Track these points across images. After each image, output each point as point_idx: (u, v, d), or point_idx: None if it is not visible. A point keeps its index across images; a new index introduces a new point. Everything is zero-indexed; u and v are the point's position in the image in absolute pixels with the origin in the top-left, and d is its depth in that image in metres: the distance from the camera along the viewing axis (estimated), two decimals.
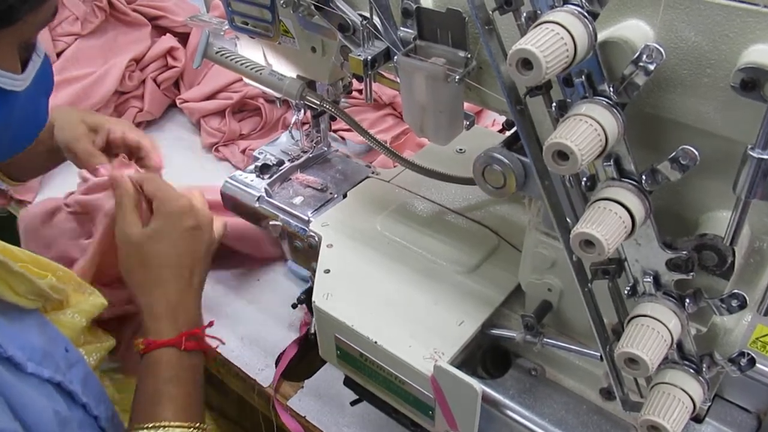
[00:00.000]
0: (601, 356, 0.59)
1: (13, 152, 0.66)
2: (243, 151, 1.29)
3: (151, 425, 0.67)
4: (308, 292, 0.85)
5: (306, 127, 0.93)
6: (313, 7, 0.66)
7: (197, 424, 0.69)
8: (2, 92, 0.59)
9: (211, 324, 0.77)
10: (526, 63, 0.42)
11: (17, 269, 0.60)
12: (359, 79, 0.66)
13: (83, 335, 0.72)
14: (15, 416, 0.55)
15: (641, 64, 0.44)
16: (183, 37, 1.42)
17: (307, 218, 0.84)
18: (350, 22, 0.64)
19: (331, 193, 0.88)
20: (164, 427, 0.67)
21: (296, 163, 0.92)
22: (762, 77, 0.41)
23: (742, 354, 0.52)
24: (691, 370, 0.53)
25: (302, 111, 0.90)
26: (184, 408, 0.70)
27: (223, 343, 0.83)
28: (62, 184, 1.21)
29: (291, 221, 0.85)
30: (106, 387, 0.73)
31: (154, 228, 0.76)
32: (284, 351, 0.93)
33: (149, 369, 0.71)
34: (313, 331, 0.77)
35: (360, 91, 1.18)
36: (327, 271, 0.76)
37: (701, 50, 0.45)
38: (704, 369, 0.53)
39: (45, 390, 0.60)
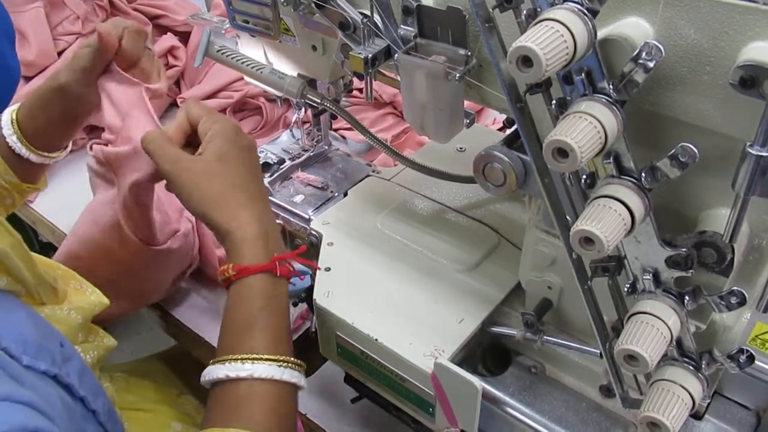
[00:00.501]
0: (600, 353, 0.59)
1: None
2: None
3: (244, 356, 0.61)
4: (309, 290, 0.85)
5: (307, 125, 0.93)
6: (313, 5, 0.66)
7: (289, 359, 0.63)
8: None
9: (302, 249, 0.70)
10: (526, 60, 0.42)
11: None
12: (360, 77, 0.66)
13: (80, 333, 0.72)
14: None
15: (641, 61, 0.45)
16: (184, 36, 1.42)
17: (307, 217, 0.84)
18: (351, 20, 0.64)
19: (331, 192, 0.88)
20: (257, 359, 0.61)
21: (297, 161, 0.92)
22: (761, 75, 0.41)
23: (741, 351, 0.52)
24: (691, 367, 0.53)
25: (303, 110, 0.90)
26: (275, 340, 0.64)
27: (318, 268, 0.75)
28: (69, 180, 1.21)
29: (292, 220, 0.85)
30: (106, 387, 0.73)
31: (216, 150, 0.68)
32: None
33: (241, 296, 0.64)
34: (313, 329, 0.78)
35: (361, 90, 1.18)
36: (328, 270, 0.76)
37: (701, 48, 0.45)
38: (703, 366, 0.53)
39: (43, 382, 0.59)
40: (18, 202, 0.89)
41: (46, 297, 0.68)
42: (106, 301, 0.74)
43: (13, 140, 0.83)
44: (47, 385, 0.59)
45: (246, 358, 0.61)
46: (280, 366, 0.61)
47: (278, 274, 0.65)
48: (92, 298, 0.74)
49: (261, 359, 0.61)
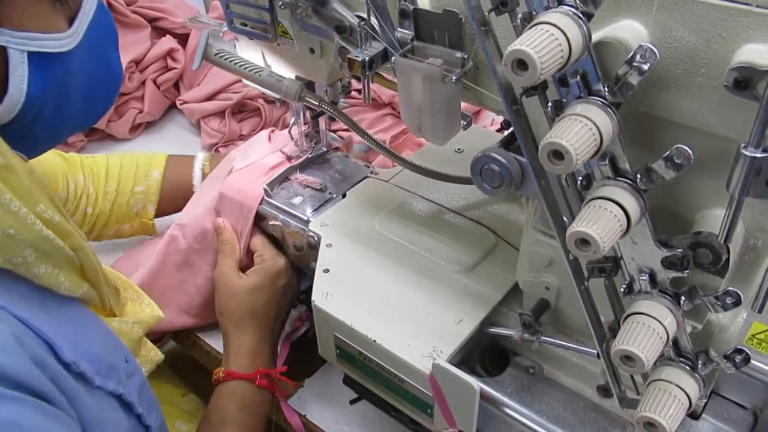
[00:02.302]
0: (598, 354, 0.59)
1: (92, 117, 0.66)
2: None
3: None
4: (307, 292, 0.85)
5: (305, 127, 0.93)
6: (310, 9, 0.66)
7: None
8: (48, 57, 0.55)
9: (284, 369, 0.85)
10: (522, 64, 0.43)
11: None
12: (358, 78, 0.66)
13: (138, 346, 0.73)
14: None
15: (635, 64, 0.45)
16: (183, 39, 1.43)
17: (306, 218, 0.84)
18: (347, 24, 0.65)
19: (330, 193, 0.89)
20: None
21: (295, 163, 0.93)
22: (755, 76, 0.41)
23: (737, 351, 0.52)
24: (687, 367, 0.53)
25: (301, 111, 0.90)
26: None
27: (291, 386, 0.88)
28: None
29: (290, 221, 0.85)
30: None
31: (255, 283, 0.84)
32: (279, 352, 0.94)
33: (224, 395, 0.78)
34: (312, 330, 0.78)
35: (359, 91, 1.18)
36: (326, 271, 0.76)
37: (695, 50, 0.45)
38: (700, 366, 0.54)
39: (111, 403, 0.60)
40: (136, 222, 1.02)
41: (114, 304, 0.68)
42: (161, 314, 0.76)
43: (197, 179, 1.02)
44: (112, 407, 0.60)
45: None
46: None
47: (257, 385, 0.79)
48: (148, 310, 0.75)
49: None
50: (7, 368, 0.48)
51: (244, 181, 0.90)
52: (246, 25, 0.77)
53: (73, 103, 0.61)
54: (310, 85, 0.84)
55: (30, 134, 0.58)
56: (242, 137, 1.33)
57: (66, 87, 0.59)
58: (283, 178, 0.91)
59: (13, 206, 0.51)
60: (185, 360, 1.13)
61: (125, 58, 1.33)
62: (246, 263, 0.88)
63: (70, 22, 0.57)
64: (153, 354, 0.76)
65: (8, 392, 0.47)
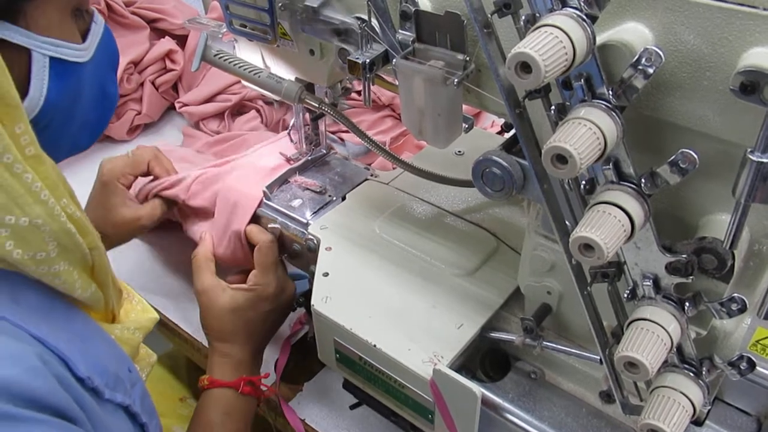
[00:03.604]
0: (600, 359, 0.59)
1: (89, 138, 0.66)
2: None
3: None
4: (307, 295, 0.85)
5: (305, 129, 0.93)
6: (308, 13, 0.66)
7: None
8: (66, 65, 0.57)
9: (266, 376, 0.85)
10: (525, 66, 0.42)
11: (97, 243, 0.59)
12: (359, 80, 0.66)
13: (137, 351, 0.72)
14: None
15: (640, 67, 0.44)
16: (181, 40, 1.42)
17: (305, 221, 0.84)
18: (344, 28, 0.64)
19: (329, 196, 0.88)
20: None
21: (295, 165, 0.92)
22: (761, 80, 0.41)
23: (741, 357, 0.52)
24: (691, 374, 0.53)
25: (301, 113, 0.90)
26: None
27: (275, 393, 0.88)
28: None
29: (290, 224, 0.85)
30: None
31: (238, 304, 0.83)
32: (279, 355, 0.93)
33: (209, 402, 0.80)
34: (311, 333, 0.77)
35: (359, 92, 1.18)
36: (326, 275, 0.76)
37: (700, 53, 0.45)
38: (704, 372, 0.53)
39: (119, 415, 0.60)
40: None
41: (117, 306, 0.67)
42: (155, 315, 0.74)
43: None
44: (121, 419, 0.60)
45: None
46: None
47: (240, 391, 0.80)
48: (138, 308, 0.74)
49: None
50: (35, 390, 0.48)
51: (243, 183, 0.89)
52: (245, 27, 0.76)
53: (78, 119, 0.62)
54: (309, 87, 0.84)
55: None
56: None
57: (77, 98, 0.61)
58: (283, 180, 0.90)
59: (43, 195, 0.51)
60: (180, 360, 1.13)
61: (124, 60, 1.33)
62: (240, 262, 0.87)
63: (83, 36, 0.60)
64: (148, 356, 0.75)
65: (38, 415, 0.47)
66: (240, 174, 0.91)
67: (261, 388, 0.84)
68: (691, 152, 0.44)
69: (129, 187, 0.93)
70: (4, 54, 0.47)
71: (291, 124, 0.92)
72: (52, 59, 0.56)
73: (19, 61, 0.55)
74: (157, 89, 1.38)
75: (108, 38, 0.64)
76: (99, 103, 0.66)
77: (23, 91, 0.55)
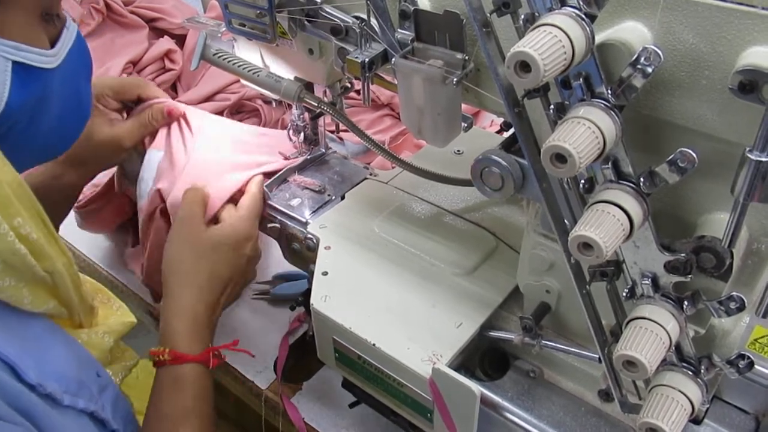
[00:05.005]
0: (599, 358, 0.59)
1: (59, 146, 0.64)
2: None
3: None
4: (306, 294, 0.85)
5: (304, 128, 0.93)
6: (306, 12, 0.66)
7: None
8: (31, 70, 0.55)
9: (235, 343, 0.77)
10: (524, 66, 0.42)
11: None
12: (358, 79, 0.66)
13: (110, 354, 0.69)
14: None
15: (639, 66, 0.44)
16: (180, 39, 1.42)
17: (305, 220, 0.84)
18: (343, 27, 0.64)
19: (329, 195, 0.88)
20: None
21: (294, 164, 0.92)
22: (760, 79, 0.41)
23: (740, 356, 0.52)
24: (690, 372, 0.53)
25: (300, 112, 0.90)
26: (209, 427, 0.70)
27: (253, 356, 0.83)
28: None
29: (289, 223, 0.85)
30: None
31: (223, 237, 0.77)
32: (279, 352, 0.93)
33: (177, 384, 0.70)
34: (311, 332, 0.77)
35: (358, 92, 1.18)
36: (325, 274, 0.76)
37: (699, 52, 0.45)
38: (703, 371, 0.53)
39: (82, 421, 0.58)
40: None
41: (85, 319, 0.66)
42: (133, 319, 0.72)
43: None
44: (84, 426, 0.58)
45: None
46: None
47: (210, 367, 0.71)
48: (119, 313, 0.72)
49: None
50: None
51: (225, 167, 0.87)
52: (245, 26, 0.76)
53: (44, 126, 0.60)
54: (309, 86, 0.84)
55: None
56: None
57: (41, 106, 0.59)
58: (282, 179, 0.91)
59: None
60: None
61: (122, 59, 1.33)
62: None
63: (53, 43, 0.58)
64: (128, 357, 0.73)
65: None
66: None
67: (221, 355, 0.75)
68: (689, 151, 0.44)
69: (114, 110, 0.89)
70: None
71: (290, 123, 0.92)
72: (14, 63, 0.54)
73: None
74: None
75: (80, 44, 0.62)
76: (71, 111, 0.64)
77: None
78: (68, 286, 0.59)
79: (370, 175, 0.92)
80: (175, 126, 0.91)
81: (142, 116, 0.89)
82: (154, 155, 0.89)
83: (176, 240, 0.77)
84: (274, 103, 1.29)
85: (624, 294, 0.55)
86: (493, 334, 0.70)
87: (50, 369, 0.56)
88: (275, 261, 1.07)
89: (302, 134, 0.92)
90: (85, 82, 0.66)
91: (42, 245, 0.55)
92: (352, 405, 0.84)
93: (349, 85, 0.85)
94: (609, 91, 0.46)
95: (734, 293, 0.49)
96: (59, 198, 0.90)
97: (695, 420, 0.64)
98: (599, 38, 0.47)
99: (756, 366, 0.52)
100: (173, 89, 1.42)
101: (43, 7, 0.56)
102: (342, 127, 0.86)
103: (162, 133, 0.90)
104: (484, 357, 0.72)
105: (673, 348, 0.53)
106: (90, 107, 0.67)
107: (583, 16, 0.44)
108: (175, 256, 0.76)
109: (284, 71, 0.83)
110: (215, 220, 0.82)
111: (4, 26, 0.53)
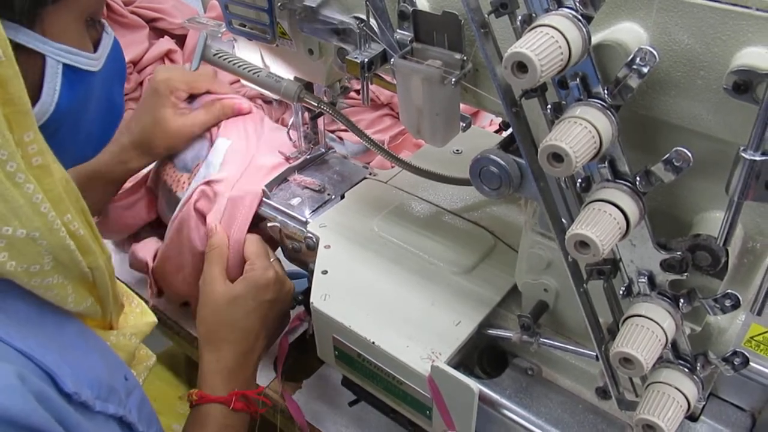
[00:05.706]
0: (596, 356, 0.59)
1: (93, 149, 0.66)
2: None
3: None
4: (306, 293, 0.85)
5: (304, 128, 0.93)
6: (306, 12, 0.66)
7: None
8: (78, 73, 0.57)
9: (261, 389, 0.81)
10: (521, 66, 0.43)
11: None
12: (358, 79, 0.66)
13: (134, 355, 0.70)
14: None
15: (635, 66, 0.45)
16: (181, 39, 1.42)
17: (304, 219, 0.84)
18: (342, 27, 0.65)
19: (328, 194, 0.89)
20: None
21: (294, 164, 0.92)
22: (754, 79, 0.41)
23: (736, 353, 0.52)
24: (686, 370, 0.53)
25: (300, 112, 0.90)
26: None
27: (270, 405, 0.85)
28: None
29: (289, 222, 0.85)
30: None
31: (237, 292, 0.80)
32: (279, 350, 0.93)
33: (198, 420, 0.76)
34: (311, 331, 0.78)
35: (357, 92, 1.18)
36: (325, 272, 0.76)
37: (694, 53, 0.45)
38: (699, 368, 0.54)
39: (111, 427, 0.58)
40: None
41: (115, 318, 0.66)
42: (154, 318, 0.73)
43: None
44: (113, 430, 0.58)
45: None
46: None
47: (232, 408, 0.76)
48: (138, 311, 0.73)
49: None
50: (11, 411, 0.47)
51: (242, 181, 0.89)
52: (245, 26, 0.77)
53: (83, 128, 0.62)
54: (308, 86, 0.84)
55: None
56: None
57: (85, 107, 0.60)
58: (282, 179, 0.91)
59: (43, 208, 0.51)
60: (180, 358, 1.13)
61: None
62: (236, 274, 0.85)
63: (95, 46, 0.60)
64: (146, 358, 0.74)
65: None
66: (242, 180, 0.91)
67: (256, 401, 0.79)
68: (685, 150, 0.45)
69: (182, 100, 0.94)
70: (18, 59, 0.47)
71: (290, 123, 0.92)
72: (65, 66, 0.56)
73: (33, 66, 0.54)
74: None
75: (117, 50, 0.64)
76: (105, 115, 0.65)
77: (35, 96, 0.55)
78: (107, 282, 0.60)
79: (370, 174, 0.92)
80: (240, 120, 0.96)
81: (213, 109, 0.94)
82: (222, 143, 0.93)
83: (201, 303, 0.82)
84: (274, 103, 1.30)
85: (621, 292, 0.55)
86: (491, 332, 0.70)
87: (84, 375, 0.56)
88: None
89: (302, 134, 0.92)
90: (118, 87, 0.67)
91: (87, 241, 0.56)
92: (351, 403, 0.84)
93: (348, 85, 0.86)
94: (605, 91, 0.47)
95: (730, 291, 0.49)
96: (119, 182, 0.97)
97: (691, 417, 0.64)
98: (596, 39, 0.47)
99: (751, 363, 0.52)
100: None
101: (89, 12, 0.58)
102: (342, 126, 0.86)
103: (228, 124, 0.95)
104: (482, 355, 0.72)
105: (670, 345, 0.53)
106: (122, 111, 0.69)
107: (580, 17, 0.44)
108: (201, 316, 0.81)
109: (284, 71, 0.84)
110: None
111: (55, 29, 0.55)
